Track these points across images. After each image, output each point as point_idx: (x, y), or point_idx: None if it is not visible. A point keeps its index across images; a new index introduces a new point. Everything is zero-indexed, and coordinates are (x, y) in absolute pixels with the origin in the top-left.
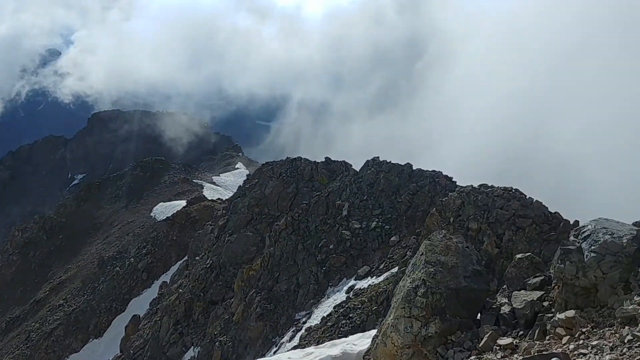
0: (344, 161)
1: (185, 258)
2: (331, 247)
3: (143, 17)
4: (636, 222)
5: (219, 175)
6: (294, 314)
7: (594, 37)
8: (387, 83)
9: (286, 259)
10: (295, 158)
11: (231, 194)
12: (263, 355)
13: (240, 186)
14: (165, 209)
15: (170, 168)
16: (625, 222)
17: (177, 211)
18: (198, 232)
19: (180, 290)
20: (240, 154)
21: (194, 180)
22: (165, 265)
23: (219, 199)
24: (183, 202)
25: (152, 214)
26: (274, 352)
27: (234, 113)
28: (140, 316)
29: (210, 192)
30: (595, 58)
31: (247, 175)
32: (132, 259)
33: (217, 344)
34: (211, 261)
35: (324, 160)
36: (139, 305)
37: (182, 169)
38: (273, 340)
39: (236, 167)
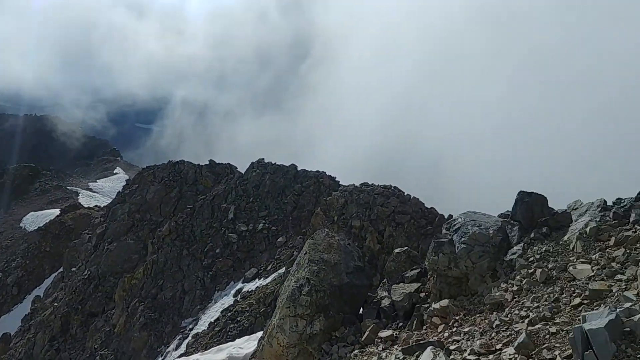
0: (228, 163)
1: (61, 270)
2: (217, 251)
3: (8, 14)
4: (501, 214)
5: (95, 181)
6: (180, 321)
7: (466, 48)
8: (272, 83)
9: (170, 265)
10: (177, 161)
11: (110, 201)
12: None
13: (119, 192)
14: (36, 219)
15: (41, 175)
16: (491, 214)
17: (50, 220)
18: (74, 241)
19: (56, 304)
20: (118, 158)
21: (68, 187)
22: (38, 279)
23: (96, 206)
24: (56, 211)
25: (21, 224)
26: None
27: (111, 116)
28: (11, 334)
29: (86, 199)
30: (469, 66)
31: (126, 180)
32: (0, 274)
33: (97, 357)
34: (89, 272)
35: (208, 163)
36: (10, 322)
37: (55, 175)
38: (158, 349)
39: (114, 172)
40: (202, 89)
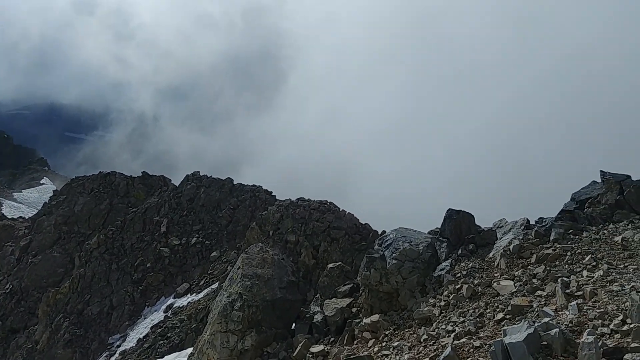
0: (162, 176)
1: None
2: (148, 265)
3: None
4: (430, 230)
5: (20, 192)
6: (107, 337)
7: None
8: (216, 97)
9: (98, 279)
10: (108, 172)
11: (35, 212)
12: None
13: (45, 203)
14: None
15: None
16: (421, 231)
17: None
18: None
19: None
20: (46, 168)
21: None
22: None
23: (20, 217)
24: None
25: None
26: None
27: (39, 124)
28: None
29: (10, 210)
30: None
31: (54, 191)
32: None
33: None
34: (11, 286)
35: (140, 174)
36: None
37: None
38: None
39: (41, 182)
40: (142, 98)
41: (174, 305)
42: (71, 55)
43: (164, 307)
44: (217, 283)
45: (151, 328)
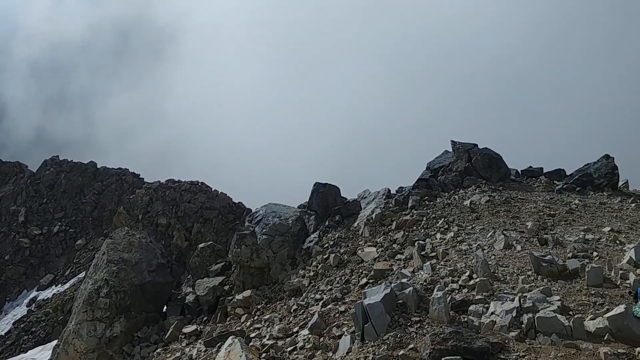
0: (17, 162)
1: None
2: (7, 257)
3: None
4: (300, 205)
5: None
6: None
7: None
8: (80, 74)
9: None
10: None
11: None
12: None
13: None
14: None
15: None
16: (290, 205)
17: None
18: None
19: None
20: None
21: None
22: None
23: None
24: None
25: None
26: None
27: None
28: None
29: None
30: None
31: None
32: None
33: None
34: None
35: None
36: None
37: None
38: None
39: None
40: None
41: (38, 298)
42: None
43: (26, 300)
44: (84, 272)
45: (13, 324)
